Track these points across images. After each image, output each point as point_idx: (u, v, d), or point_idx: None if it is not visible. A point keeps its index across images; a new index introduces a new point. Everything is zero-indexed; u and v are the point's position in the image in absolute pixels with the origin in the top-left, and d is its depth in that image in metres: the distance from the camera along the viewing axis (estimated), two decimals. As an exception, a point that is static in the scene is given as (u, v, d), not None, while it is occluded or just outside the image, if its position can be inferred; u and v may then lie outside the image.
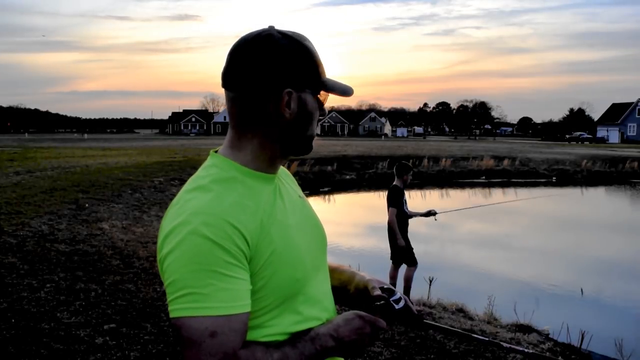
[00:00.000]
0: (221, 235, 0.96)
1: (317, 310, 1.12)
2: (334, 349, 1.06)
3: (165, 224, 1.02)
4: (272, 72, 1.06)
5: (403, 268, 6.48)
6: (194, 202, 1.01)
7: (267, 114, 1.08)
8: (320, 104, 1.14)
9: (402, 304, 1.17)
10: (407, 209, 6.43)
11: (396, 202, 6.27)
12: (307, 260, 1.11)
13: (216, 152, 1.14)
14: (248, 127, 1.10)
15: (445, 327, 1.24)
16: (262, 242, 1.02)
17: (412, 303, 1.22)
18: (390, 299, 1.16)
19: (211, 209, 0.99)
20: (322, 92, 1.13)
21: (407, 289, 6.32)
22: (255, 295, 1.01)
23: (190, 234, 0.96)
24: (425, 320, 1.22)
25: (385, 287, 1.21)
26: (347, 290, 1.28)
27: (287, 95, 1.07)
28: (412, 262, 6.36)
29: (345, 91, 1.15)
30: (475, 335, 1.24)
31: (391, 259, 6.52)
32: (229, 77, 1.09)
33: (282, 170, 1.27)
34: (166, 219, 1.03)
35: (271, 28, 1.10)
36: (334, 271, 1.33)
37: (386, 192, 6.52)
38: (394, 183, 6.44)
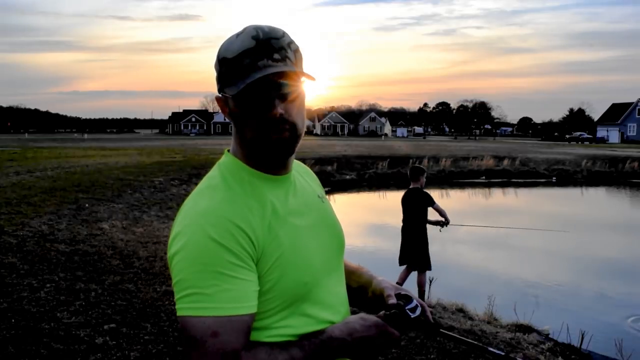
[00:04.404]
0: (226, 236, 0.97)
1: (328, 313, 1.11)
2: (345, 349, 1.05)
3: (176, 223, 1.04)
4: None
5: (410, 273, 6.46)
6: (203, 202, 1.03)
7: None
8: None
9: (417, 312, 1.14)
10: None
11: (432, 201, 6.31)
12: (317, 263, 1.10)
13: (229, 150, 1.15)
14: (234, 127, 1.12)
15: (461, 338, 1.21)
16: (270, 245, 1.02)
17: (429, 311, 1.19)
18: (406, 308, 1.14)
19: (219, 210, 1.00)
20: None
21: (421, 294, 6.29)
22: (262, 297, 1.01)
23: (197, 234, 0.98)
24: (441, 330, 1.19)
25: (402, 293, 1.19)
26: (365, 294, 1.27)
27: (219, 100, 1.10)
28: (428, 267, 6.35)
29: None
30: (492, 349, 1.22)
31: (404, 263, 6.45)
32: None
33: (304, 168, 1.27)
34: (177, 217, 1.05)
35: (245, 28, 1.07)
36: (352, 273, 1.32)
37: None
38: (413, 186, 6.40)
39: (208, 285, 0.95)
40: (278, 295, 1.03)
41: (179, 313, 0.97)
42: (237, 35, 1.06)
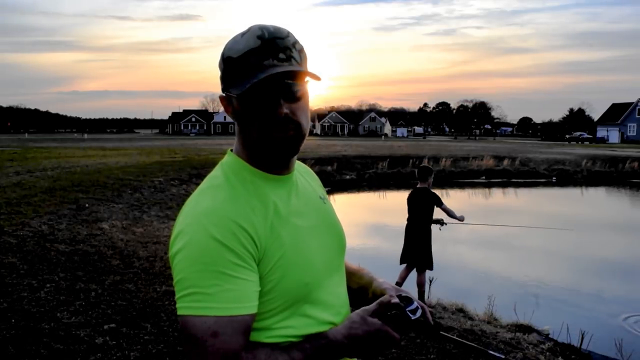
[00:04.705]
0: (228, 236, 0.97)
1: (329, 314, 1.11)
2: (345, 351, 1.05)
3: (178, 222, 1.04)
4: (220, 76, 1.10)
5: (411, 272, 6.45)
6: (205, 202, 1.03)
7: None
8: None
9: (418, 314, 1.14)
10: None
11: (440, 201, 6.30)
12: (318, 264, 1.10)
13: (232, 150, 1.15)
14: (237, 126, 1.13)
15: (462, 341, 1.20)
16: (272, 245, 1.02)
17: (429, 313, 1.19)
18: (407, 309, 1.13)
19: (221, 209, 1.00)
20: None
21: (421, 294, 6.29)
22: (263, 297, 1.01)
23: (199, 234, 0.97)
24: (442, 332, 1.18)
25: (403, 295, 1.19)
26: (366, 295, 1.27)
27: (223, 99, 1.11)
28: (430, 266, 6.35)
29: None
30: (492, 352, 1.22)
31: (405, 262, 6.45)
32: None
33: (305, 169, 1.27)
34: (180, 217, 1.05)
35: (250, 28, 1.08)
36: (353, 274, 1.32)
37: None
38: (422, 186, 6.38)
39: (209, 285, 0.94)
40: (279, 295, 1.02)
41: (179, 312, 0.96)
42: (242, 34, 1.05)
